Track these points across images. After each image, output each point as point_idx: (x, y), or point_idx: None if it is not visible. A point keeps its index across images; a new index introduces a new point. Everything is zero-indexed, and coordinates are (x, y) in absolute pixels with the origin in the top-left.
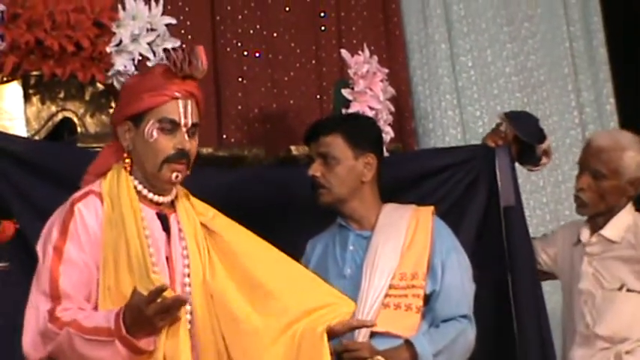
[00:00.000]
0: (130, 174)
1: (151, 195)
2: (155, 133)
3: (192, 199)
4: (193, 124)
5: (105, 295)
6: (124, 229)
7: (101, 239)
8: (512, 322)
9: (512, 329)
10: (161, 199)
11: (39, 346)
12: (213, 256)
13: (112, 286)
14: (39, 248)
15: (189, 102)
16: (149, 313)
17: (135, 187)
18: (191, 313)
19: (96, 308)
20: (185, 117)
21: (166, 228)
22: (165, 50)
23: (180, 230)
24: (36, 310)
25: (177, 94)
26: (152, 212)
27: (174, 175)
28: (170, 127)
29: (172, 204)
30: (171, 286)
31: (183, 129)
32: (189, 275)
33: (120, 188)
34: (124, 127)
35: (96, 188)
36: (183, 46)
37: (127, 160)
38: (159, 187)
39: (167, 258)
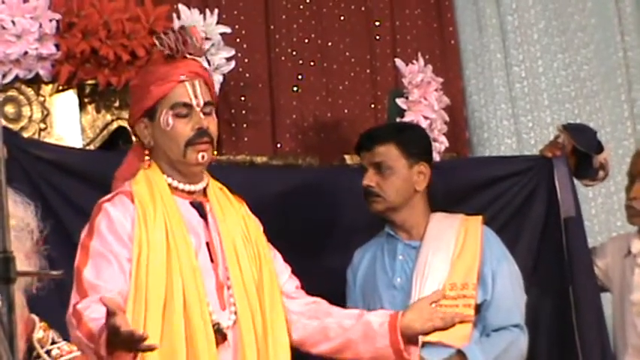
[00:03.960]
0: (161, 170)
1: (182, 185)
2: (171, 120)
3: (226, 190)
4: (206, 103)
5: (136, 288)
6: (161, 222)
7: (133, 236)
8: (574, 333)
9: (574, 340)
10: (193, 187)
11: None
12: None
13: (143, 281)
14: None
15: (196, 82)
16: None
17: (166, 181)
18: (232, 294)
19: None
20: (196, 97)
21: (203, 215)
22: (156, 37)
23: (214, 216)
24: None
25: (182, 77)
26: (186, 202)
27: (199, 155)
28: (184, 110)
29: (205, 192)
30: (214, 270)
31: (197, 109)
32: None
33: (152, 185)
34: (141, 124)
35: (125, 188)
36: (174, 27)
37: (147, 158)
38: (189, 175)
39: (207, 243)
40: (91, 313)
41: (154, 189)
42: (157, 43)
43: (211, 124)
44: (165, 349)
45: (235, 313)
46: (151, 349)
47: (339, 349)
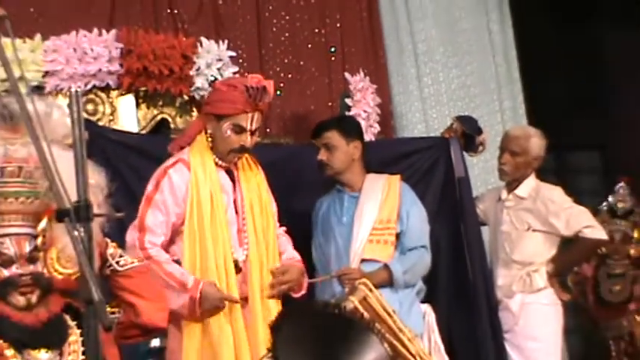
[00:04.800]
0: (210, 149)
1: (220, 162)
2: (229, 132)
3: (250, 160)
4: (256, 129)
5: (190, 238)
6: (207, 185)
7: (187, 196)
8: (465, 253)
9: (465, 258)
10: (227, 163)
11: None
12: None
13: (196, 231)
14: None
15: (256, 114)
16: (220, 305)
17: (212, 157)
18: (247, 237)
19: (169, 245)
20: (251, 125)
21: (232, 179)
22: (249, 87)
23: (239, 181)
24: (130, 234)
25: (249, 111)
26: (222, 170)
27: (235, 159)
28: (239, 130)
29: (236, 163)
30: (237, 220)
31: (248, 132)
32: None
33: (203, 157)
34: (209, 117)
35: (185, 157)
36: (262, 83)
37: (210, 139)
38: (225, 162)
39: (234, 200)
40: (165, 259)
41: (204, 160)
42: (245, 89)
43: (253, 141)
44: (202, 275)
45: (247, 250)
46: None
47: None
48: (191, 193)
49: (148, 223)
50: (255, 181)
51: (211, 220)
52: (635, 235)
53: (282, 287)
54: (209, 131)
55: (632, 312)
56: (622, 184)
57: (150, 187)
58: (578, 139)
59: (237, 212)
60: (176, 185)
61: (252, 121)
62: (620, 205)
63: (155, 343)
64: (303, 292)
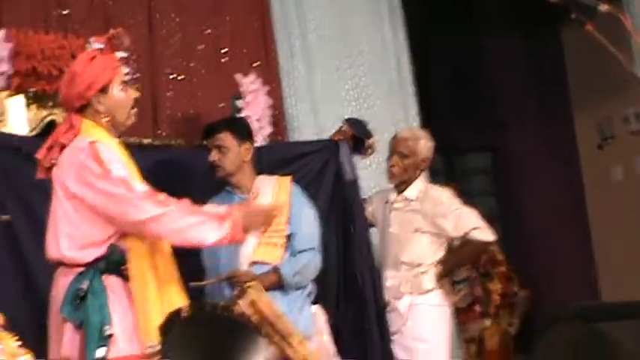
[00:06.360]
0: None
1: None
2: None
3: None
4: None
5: None
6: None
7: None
8: (354, 253)
9: (354, 258)
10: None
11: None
12: None
13: None
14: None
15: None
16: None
17: None
18: None
19: None
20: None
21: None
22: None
23: None
24: (142, 210)
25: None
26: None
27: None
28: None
29: None
30: None
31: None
32: None
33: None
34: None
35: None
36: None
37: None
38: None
39: None
40: (191, 205)
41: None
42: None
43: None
44: None
45: None
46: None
47: None
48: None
49: (139, 188)
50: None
51: None
52: None
53: None
54: (100, 111)
55: (479, 314)
56: None
57: (94, 169)
58: (470, 141)
59: None
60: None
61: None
62: None
63: None
64: None
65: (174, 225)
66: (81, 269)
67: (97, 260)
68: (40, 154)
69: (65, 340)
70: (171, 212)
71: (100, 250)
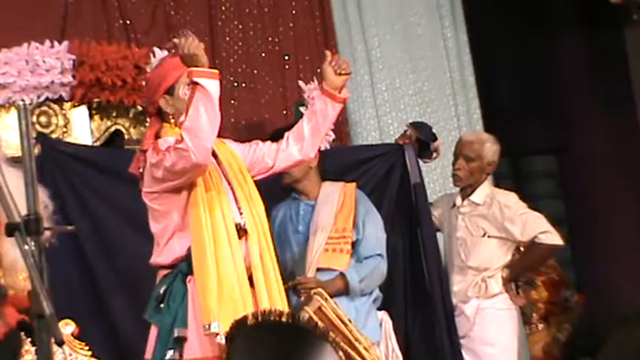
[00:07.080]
0: None
1: None
2: (187, 91)
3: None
4: None
5: (196, 209)
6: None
7: None
8: (421, 259)
9: (422, 264)
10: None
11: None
12: None
13: (201, 202)
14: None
15: None
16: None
17: None
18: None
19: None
20: None
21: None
22: (171, 49)
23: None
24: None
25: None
26: None
27: None
28: None
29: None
30: (231, 189)
31: None
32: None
33: None
34: (163, 99)
35: None
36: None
37: (172, 120)
38: None
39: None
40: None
41: None
42: (169, 52)
43: None
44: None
45: (242, 213)
46: None
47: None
48: None
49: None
50: (227, 152)
51: (213, 188)
52: None
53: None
54: (169, 112)
55: None
56: None
57: (154, 159)
58: (533, 143)
59: (229, 182)
60: None
61: None
62: None
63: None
64: None
65: (200, 131)
66: (166, 272)
67: (177, 262)
68: (131, 169)
69: (149, 341)
70: (186, 133)
71: (177, 252)
